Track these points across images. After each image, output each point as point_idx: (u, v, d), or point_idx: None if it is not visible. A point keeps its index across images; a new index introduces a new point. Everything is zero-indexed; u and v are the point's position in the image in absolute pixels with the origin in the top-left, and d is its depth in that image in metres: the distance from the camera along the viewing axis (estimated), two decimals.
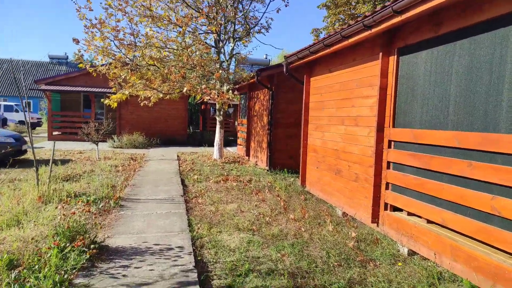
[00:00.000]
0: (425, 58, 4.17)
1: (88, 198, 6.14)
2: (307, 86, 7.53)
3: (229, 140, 21.00)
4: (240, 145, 15.00)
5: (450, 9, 3.70)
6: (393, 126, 4.75)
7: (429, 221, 4.18)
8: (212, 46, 10.65)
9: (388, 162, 4.80)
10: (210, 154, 13.73)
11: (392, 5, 3.84)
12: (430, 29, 4.00)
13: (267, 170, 10.18)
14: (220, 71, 9.95)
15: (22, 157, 11.53)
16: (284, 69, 7.59)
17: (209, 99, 9.00)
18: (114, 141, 16.29)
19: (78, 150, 14.18)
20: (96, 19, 9.69)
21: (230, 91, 8.81)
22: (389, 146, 4.80)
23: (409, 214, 4.52)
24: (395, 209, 4.80)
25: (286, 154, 10.40)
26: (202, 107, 31.43)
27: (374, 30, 4.46)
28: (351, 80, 5.80)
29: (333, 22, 19.24)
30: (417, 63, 4.31)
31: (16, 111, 26.96)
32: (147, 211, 5.74)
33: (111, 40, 10.07)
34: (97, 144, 11.95)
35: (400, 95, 4.64)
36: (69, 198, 6.11)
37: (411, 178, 4.31)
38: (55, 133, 18.33)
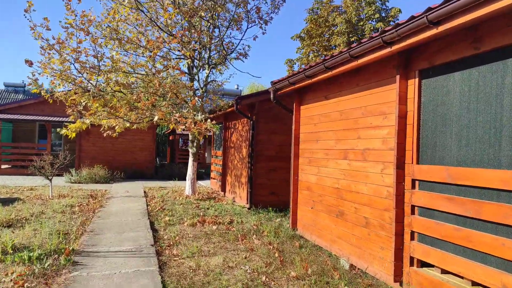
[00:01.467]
0: (461, 80, 3.45)
1: (31, 254, 4.80)
2: (297, 115, 6.72)
3: (200, 173, 19.76)
4: (214, 179, 13.86)
5: (498, 19, 3.01)
6: (418, 162, 3.95)
7: (474, 283, 3.31)
8: (186, 73, 9.75)
9: (413, 206, 3.96)
10: (181, 190, 12.48)
11: (426, 14, 3.12)
12: (467, 46, 3.30)
13: (248, 208, 9.12)
14: (196, 99, 9.01)
15: None
16: (271, 96, 6.76)
17: (184, 129, 7.98)
18: (72, 175, 14.64)
19: (29, 187, 12.46)
20: (54, 39, 8.56)
21: (209, 120, 7.86)
22: (413, 187, 3.97)
23: (444, 271, 3.64)
24: (423, 264, 3.91)
25: (268, 190, 9.43)
26: (170, 138, 30.05)
27: (395, 47, 3.73)
28: (355, 108, 5.03)
29: (307, 53, 19.09)
30: (449, 87, 3.58)
31: None
32: (109, 269, 4.49)
33: (71, 63, 8.92)
34: (50, 180, 10.41)
35: (425, 125, 3.88)
36: (4, 255, 4.75)
37: (449, 228, 3.46)
38: (4, 166, 16.35)
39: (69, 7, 8.78)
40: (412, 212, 3.96)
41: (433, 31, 3.21)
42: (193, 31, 9.73)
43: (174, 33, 9.98)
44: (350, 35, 18.46)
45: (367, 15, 18.80)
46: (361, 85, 4.90)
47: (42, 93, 9.29)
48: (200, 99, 9.60)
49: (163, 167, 19.33)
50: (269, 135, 9.45)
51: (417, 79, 3.95)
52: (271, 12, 11.60)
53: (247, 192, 9.43)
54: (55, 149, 18.90)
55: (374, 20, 18.79)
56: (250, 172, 9.29)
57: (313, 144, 6.19)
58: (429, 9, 3.13)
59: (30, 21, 8.36)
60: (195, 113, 8.90)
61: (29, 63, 8.50)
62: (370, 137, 4.68)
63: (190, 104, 8.78)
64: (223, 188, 12.04)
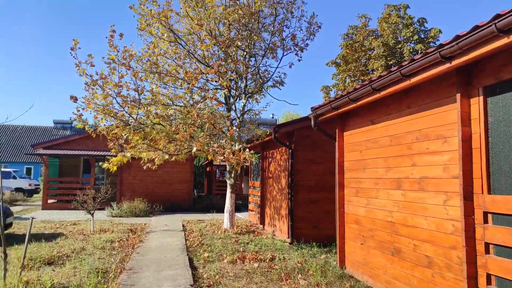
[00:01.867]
0: None
1: None
2: (340, 142, 6.32)
3: (237, 205, 19.43)
4: (252, 211, 13.49)
5: None
6: (489, 192, 3.42)
7: None
8: (223, 103, 9.72)
9: (487, 244, 3.39)
10: (219, 223, 12.19)
11: (495, 22, 2.73)
12: None
13: (289, 243, 8.61)
14: (234, 128, 8.88)
15: (7, 231, 10.06)
16: (312, 123, 6.44)
17: (222, 160, 7.79)
18: (113, 209, 14.84)
19: (72, 221, 12.70)
20: (97, 75, 8.86)
21: (247, 150, 7.64)
22: (485, 221, 3.43)
23: None
24: None
25: (310, 223, 8.90)
26: (207, 169, 30.23)
27: (455, 62, 3.33)
28: (407, 132, 4.59)
29: (344, 78, 18.74)
30: None
31: (14, 177, 25.84)
32: None
33: (113, 98, 9.16)
34: (92, 215, 10.53)
35: (495, 149, 3.37)
36: None
37: None
38: (50, 201, 16.96)
39: (111, 43, 9.14)
40: (487, 251, 3.39)
41: (503, 41, 2.80)
42: (229, 61, 9.77)
43: (211, 64, 10.09)
44: (388, 58, 17.98)
45: (405, 37, 18.32)
46: (413, 106, 4.48)
47: (86, 128, 9.55)
48: (237, 129, 9.46)
49: (200, 198, 19.26)
50: (308, 164, 9.05)
51: (481, 97, 3.49)
52: (307, 39, 11.49)
53: (287, 226, 8.96)
54: (98, 183, 19.44)
55: (413, 42, 18.25)
56: (290, 204, 8.86)
57: (360, 172, 5.73)
58: (498, 16, 2.75)
59: (75, 58, 8.73)
60: (232, 143, 8.74)
61: (74, 99, 8.81)
62: (428, 164, 4.20)
63: (228, 134, 8.64)
64: (262, 221, 11.62)
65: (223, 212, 16.49)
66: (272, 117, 34.75)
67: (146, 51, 9.75)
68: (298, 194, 8.87)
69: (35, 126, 44.24)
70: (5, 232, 10.00)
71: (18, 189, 24.88)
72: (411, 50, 17.75)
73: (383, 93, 4.47)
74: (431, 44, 18.38)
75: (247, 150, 7.58)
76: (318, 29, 11.52)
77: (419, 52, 17.88)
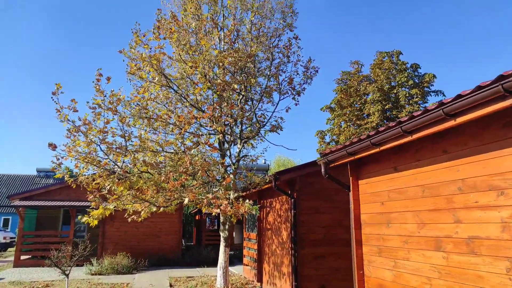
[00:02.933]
0: None
1: None
2: (355, 192, 5.57)
3: (230, 256, 18.09)
4: (247, 265, 12.32)
5: None
6: None
7: None
8: (217, 148, 8.98)
9: None
10: (211, 281, 10.99)
11: None
12: None
13: None
14: (231, 176, 8.08)
15: None
16: (323, 170, 5.71)
17: (218, 212, 6.89)
18: (93, 266, 13.42)
19: (45, 282, 11.31)
20: (80, 120, 8.10)
21: (246, 200, 6.81)
22: None
23: None
24: None
25: (317, 283, 7.89)
26: (197, 218, 28.79)
27: None
28: (445, 182, 3.88)
29: (339, 123, 18.47)
30: None
31: None
32: None
33: (97, 145, 8.35)
34: (67, 275, 9.28)
35: None
36: None
37: None
38: (24, 257, 15.39)
39: (98, 87, 8.49)
40: None
41: None
42: (224, 104, 9.18)
43: (204, 108, 9.49)
44: (383, 103, 17.86)
45: (399, 82, 18.37)
46: (451, 151, 3.81)
47: (66, 178, 8.65)
48: (233, 176, 8.67)
49: (190, 251, 17.86)
50: (313, 214, 8.21)
51: None
52: (304, 83, 11.10)
53: (291, 286, 7.91)
54: (80, 235, 17.99)
55: (407, 87, 18.29)
56: (294, 260, 7.88)
57: (382, 228, 4.92)
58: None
59: (57, 103, 7.99)
60: (228, 192, 7.91)
61: (53, 146, 7.96)
62: (478, 221, 3.44)
63: (224, 183, 7.82)
64: (259, 278, 10.47)
65: (214, 266, 15.21)
66: (265, 163, 34.10)
67: (135, 95, 9.13)
68: (302, 249, 7.92)
69: (16, 175, 42.47)
70: None
71: None
72: (406, 95, 17.73)
73: (415, 136, 3.80)
74: (426, 89, 18.48)
75: (247, 201, 6.76)
76: (315, 73, 11.19)
77: (415, 96, 17.89)
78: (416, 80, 18.63)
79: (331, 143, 19.17)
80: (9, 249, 25.23)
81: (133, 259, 14.03)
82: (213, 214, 7.19)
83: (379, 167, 5.08)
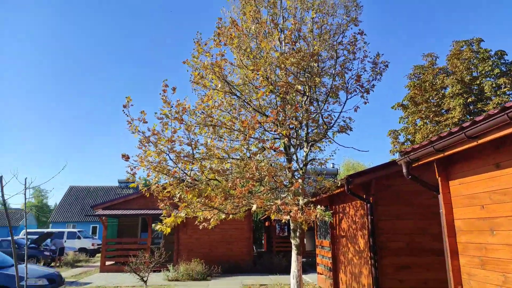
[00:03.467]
0: None
1: None
2: (445, 194, 4.83)
3: (302, 263, 17.57)
4: (321, 274, 11.73)
5: None
6: None
7: None
8: (283, 152, 8.64)
9: None
10: None
11: None
12: None
13: None
14: (300, 181, 7.68)
15: None
16: (405, 171, 5.06)
17: (288, 219, 6.51)
18: (169, 271, 13.87)
19: (127, 287, 11.86)
20: (149, 131, 8.33)
21: (318, 206, 6.36)
22: None
23: None
24: None
25: None
26: (266, 224, 28.71)
27: None
28: None
29: (414, 121, 16.99)
30: None
31: (78, 237, 26.36)
32: None
33: (166, 154, 8.52)
34: (145, 282, 9.58)
35: None
36: None
37: None
38: (108, 263, 16.48)
39: (165, 98, 8.69)
40: None
41: None
42: (288, 107, 8.83)
43: (267, 113, 9.25)
44: (465, 96, 16.05)
45: (482, 71, 16.42)
46: None
47: (140, 187, 8.96)
48: (302, 181, 8.25)
49: (262, 258, 17.70)
50: (393, 221, 7.45)
51: None
52: (373, 79, 10.33)
53: None
54: (157, 241, 18.86)
55: (493, 76, 16.27)
56: (374, 272, 7.18)
57: (485, 236, 4.15)
58: None
59: (127, 115, 8.33)
60: (298, 198, 7.49)
61: (126, 157, 8.28)
62: None
63: (292, 188, 7.44)
64: None
65: (286, 273, 14.83)
66: (333, 167, 32.86)
67: (200, 104, 9.21)
68: (383, 259, 7.20)
69: (101, 186, 46.44)
70: None
71: (81, 249, 25.21)
72: (492, 85, 15.75)
73: None
74: None
75: (318, 206, 6.29)
76: (385, 68, 10.33)
77: (502, 86, 15.79)
78: (503, 69, 16.47)
79: (405, 143, 17.72)
80: (97, 254, 27.47)
81: (207, 266, 14.22)
82: (283, 221, 6.84)
83: (475, 164, 4.31)
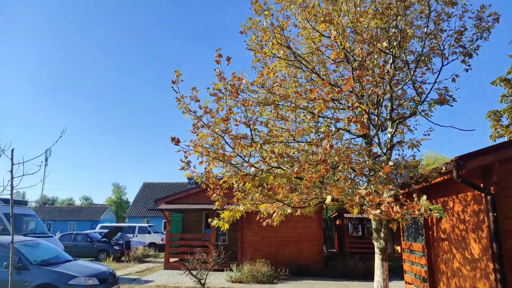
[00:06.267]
0: None
1: None
2: None
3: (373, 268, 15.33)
4: (410, 283, 9.63)
5: None
6: None
7: None
8: (365, 127, 6.81)
9: None
10: None
11: None
12: None
13: None
14: (390, 163, 5.87)
15: None
16: None
17: (378, 213, 4.75)
18: (232, 271, 12.74)
19: None
20: (200, 109, 7.11)
21: (424, 197, 4.52)
22: None
23: None
24: None
25: None
26: (337, 222, 26.57)
27: None
28: None
29: None
30: None
31: (148, 232, 26.77)
32: None
33: (221, 136, 7.24)
34: (203, 286, 8.45)
35: None
36: None
37: None
38: (172, 259, 15.92)
39: (219, 72, 7.40)
40: None
41: None
42: (369, 73, 7.00)
43: (342, 87, 7.51)
44: None
45: None
46: None
47: (195, 178, 7.80)
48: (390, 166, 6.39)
49: (334, 260, 15.84)
50: None
51: None
52: (477, 39, 8.04)
53: None
54: (222, 238, 18.02)
55: None
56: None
57: None
58: None
59: (177, 92, 7.17)
60: (391, 187, 5.67)
61: (176, 141, 7.12)
62: None
63: (381, 173, 5.64)
64: None
65: (364, 280, 12.84)
66: (414, 159, 29.45)
67: (258, 76, 7.79)
68: None
69: (171, 183, 47.81)
70: None
71: (151, 244, 25.50)
72: None
73: None
74: None
75: (424, 197, 4.46)
76: (494, 23, 7.97)
77: None
78: None
79: (510, 126, 14.53)
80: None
81: (273, 267, 12.84)
82: (371, 217, 5.14)
83: None
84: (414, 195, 4.78)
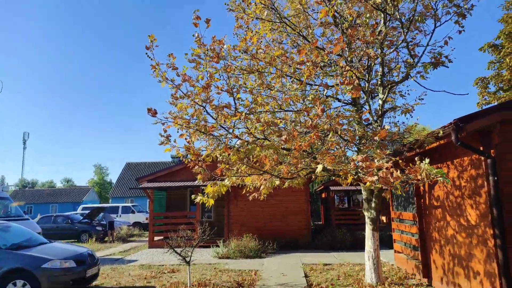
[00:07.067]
0: None
1: None
2: None
3: (361, 237, 15.40)
4: (400, 252, 9.55)
5: None
6: None
7: None
8: (358, 89, 6.38)
9: None
10: (357, 270, 8.72)
11: None
12: None
13: None
14: (386, 127, 5.50)
15: (94, 283, 8.25)
16: None
17: (375, 181, 4.37)
18: (219, 247, 12.47)
19: (172, 267, 10.62)
20: (179, 76, 6.51)
21: (426, 160, 4.17)
22: None
23: None
24: None
25: None
26: (323, 195, 26.65)
27: None
28: None
29: (510, 64, 13.44)
30: None
31: (132, 212, 26.27)
32: None
33: (201, 106, 6.68)
34: (188, 263, 8.09)
35: None
36: None
37: None
38: (156, 238, 15.53)
39: (198, 36, 6.75)
40: None
41: None
42: (360, 35, 6.49)
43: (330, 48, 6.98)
44: None
45: None
46: None
47: (176, 152, 7.26)
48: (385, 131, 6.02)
49: (320, 232, 15.79)
50: None
51: None
52: None
53: None
54: (208, 215, 17.72)
55: None
56: (502, 256, 4.91)
57: None
58: None
59: (152, 59, 6.52)
60: (388, 152, 5.31)
61: (152, 112, 6.51)
62: None
63: (376, 138, 5.24)
64: (426, 273, 7.64)
65: (352, 250, 12.82)
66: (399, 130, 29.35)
67: (241, 40, 7.19)
68: None
69: (155, 162, 46.96)
70: (92, 284, 8.20)
71: (135, 223, 25.05)
72: None
73: None
74: None
75: (426, 160, 4.10)
76: None
77: None
78: None
79: (497, 93, 14.39)
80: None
81: (260, 242, 12.63)
82: (367, 185, 4.78)
83: None
84: (416, 159, 4.41)
